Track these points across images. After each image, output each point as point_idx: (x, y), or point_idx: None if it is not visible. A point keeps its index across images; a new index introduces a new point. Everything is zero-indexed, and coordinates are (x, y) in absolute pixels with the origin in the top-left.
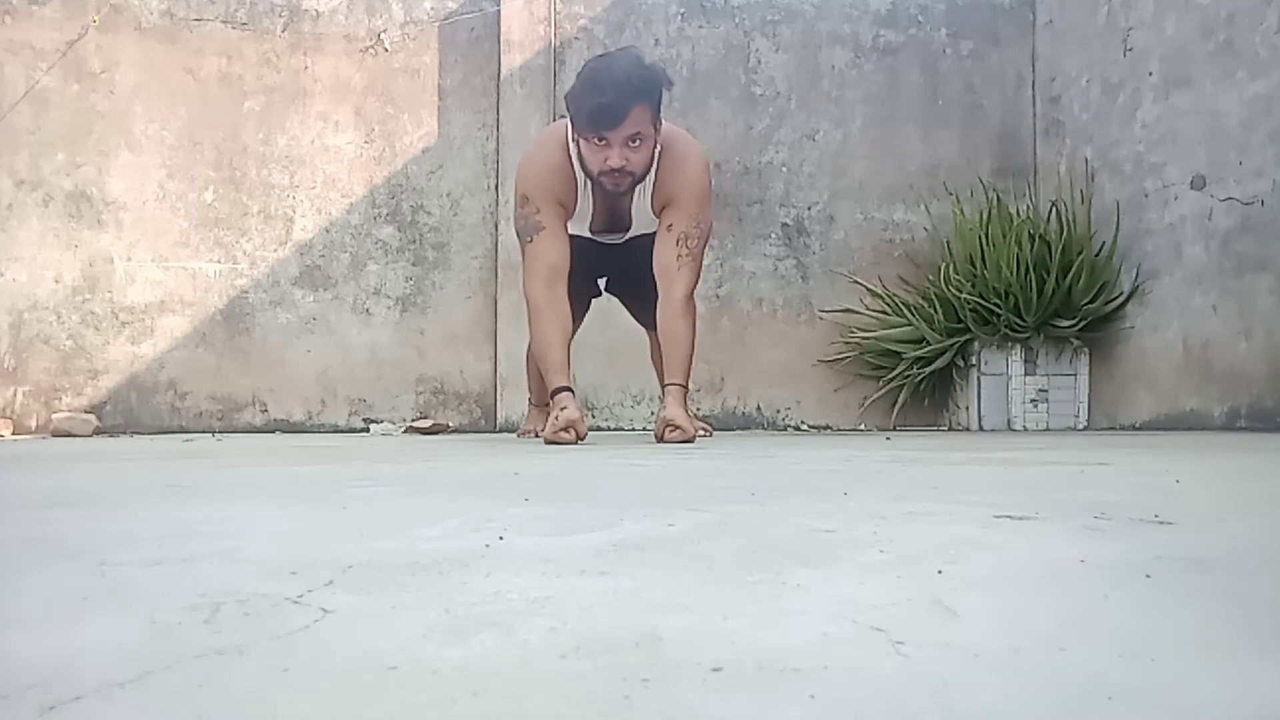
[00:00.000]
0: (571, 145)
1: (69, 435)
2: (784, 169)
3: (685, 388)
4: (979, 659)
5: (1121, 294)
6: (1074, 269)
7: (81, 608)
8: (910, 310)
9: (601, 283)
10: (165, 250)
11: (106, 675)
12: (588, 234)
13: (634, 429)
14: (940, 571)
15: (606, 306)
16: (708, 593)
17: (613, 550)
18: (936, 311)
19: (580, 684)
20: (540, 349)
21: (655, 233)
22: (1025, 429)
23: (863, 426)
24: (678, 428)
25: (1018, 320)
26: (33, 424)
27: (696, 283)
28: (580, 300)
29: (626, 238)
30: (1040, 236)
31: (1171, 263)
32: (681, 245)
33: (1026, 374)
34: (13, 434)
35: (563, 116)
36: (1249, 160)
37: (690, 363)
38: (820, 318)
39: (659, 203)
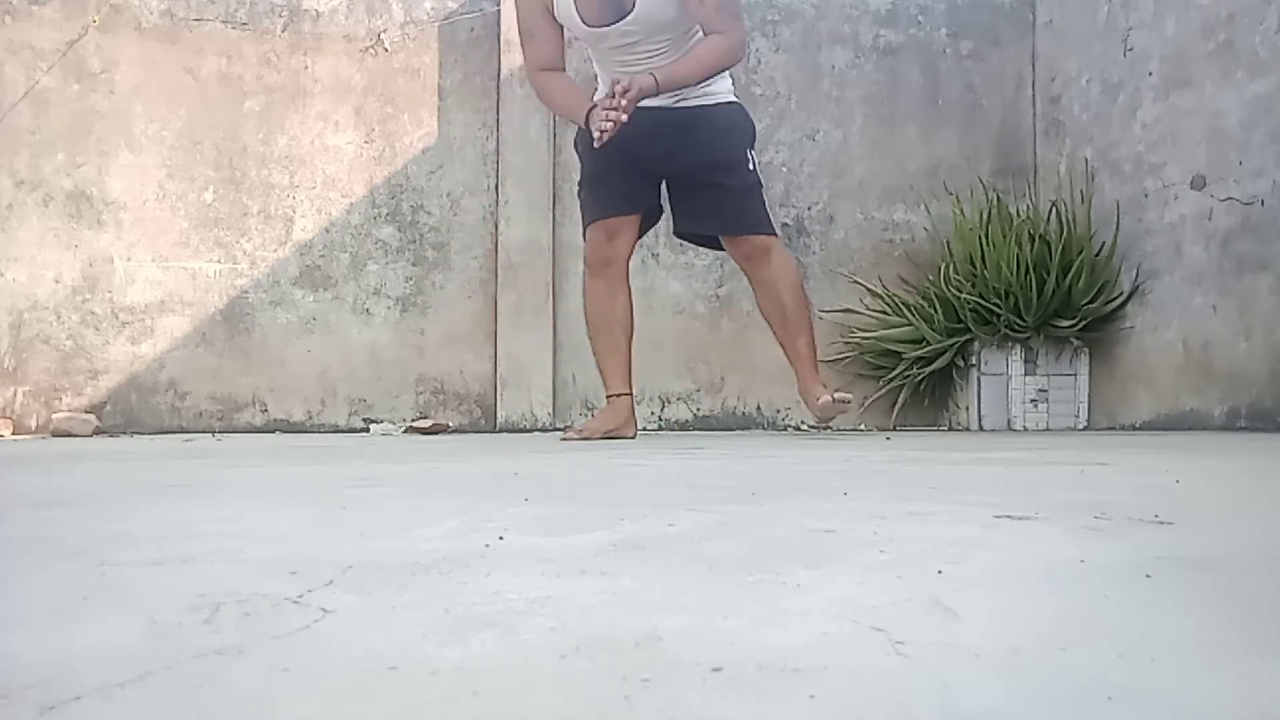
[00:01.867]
0: None
1: (69, 435)
2: (784, 169)
3: (813, 369)
4: (979, 659)
5: (1121, 294)
6: (1074, 269)
7: (81, 608)
8: (910, 310)
9: (662, 191)
10: (165, 250)
11: (106, 675)
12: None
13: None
14: (940, 571)
15: None
16: (708, 593)
17: (613, 550)
18: (936, 311)
19: (580, 684)
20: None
21: (709, 108)
22: (1025, 429)
23: (863, 426)
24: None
25: (1018, 320)
26: (33, 424)
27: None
28: (636, 204)
29: (676, 103)
30: (1040, 236)
31: (1171, 263)
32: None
33: (1026, 374)
34: (13, 434)
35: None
36: (1249, 160)
37: (806, 330)
38: (820, 318)
39: None
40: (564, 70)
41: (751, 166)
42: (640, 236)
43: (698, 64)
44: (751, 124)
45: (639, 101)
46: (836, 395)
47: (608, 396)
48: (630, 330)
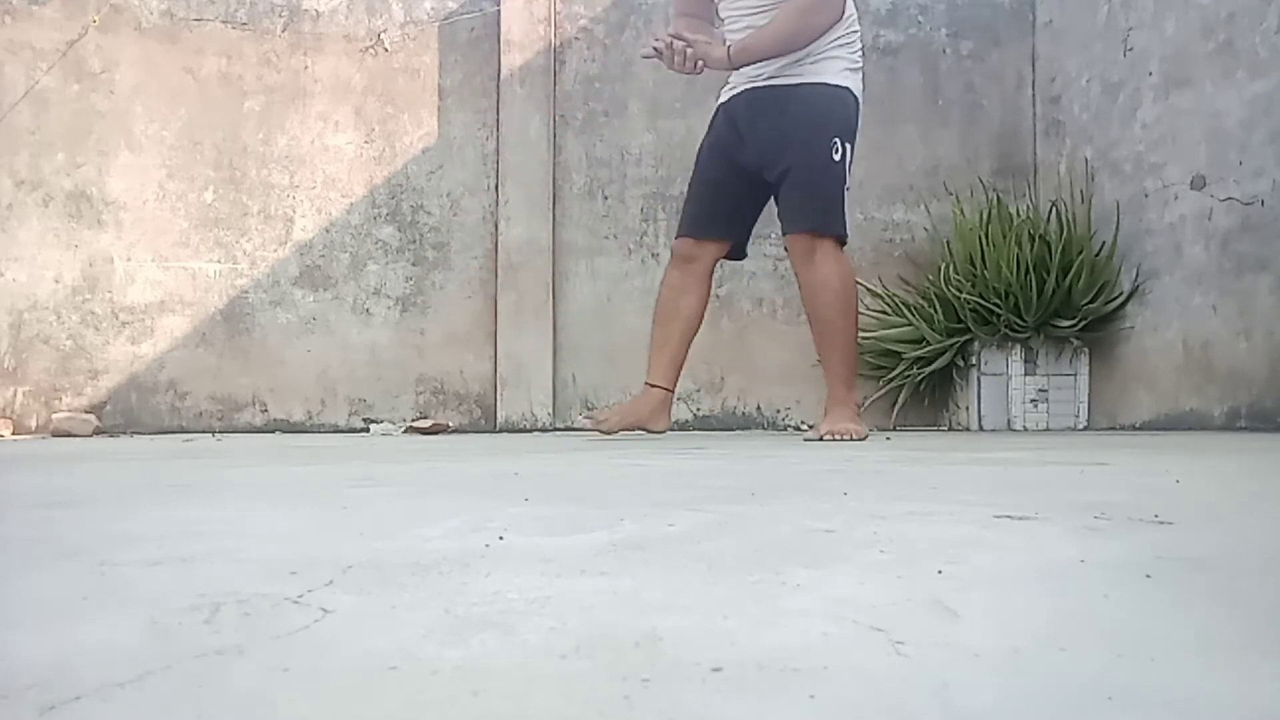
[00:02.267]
0: None
1: (69, 435)
2: None
3: (842, 386)
4: (979, 659)
5: (1121, 294)
6: (1074, 269)
7: (81, 608)
8: (910, 310)
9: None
10: (165, 250)
11: (106, 675)
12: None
13: (634, 429)
14: (940, 571)
15: (606, 306)
16: (708, 593)
17: (613, 550)
18: (936, 311)
19: (580, 684)
20: None
21: (796, 88)
22: (1025, 429)
23: None
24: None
25: (1018, 320)
26: (33, 424)
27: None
28: (726, 230)
29: (768, 81)
30: (1040, 236)
31: (1171, 263)
32: None
33: (1026, 374)
34: (13, 434)
35: (561, 116)
36: (1249, 160)
37: (838, 347)
38: None
39: None
40: (709, 20)
41: (837, 157)
42: (729, 258)
43: (769, 33)
44: (844, 112)
45: (697, 69)
46: (826, 434)
47: (645, 384)
48: (691, 329)
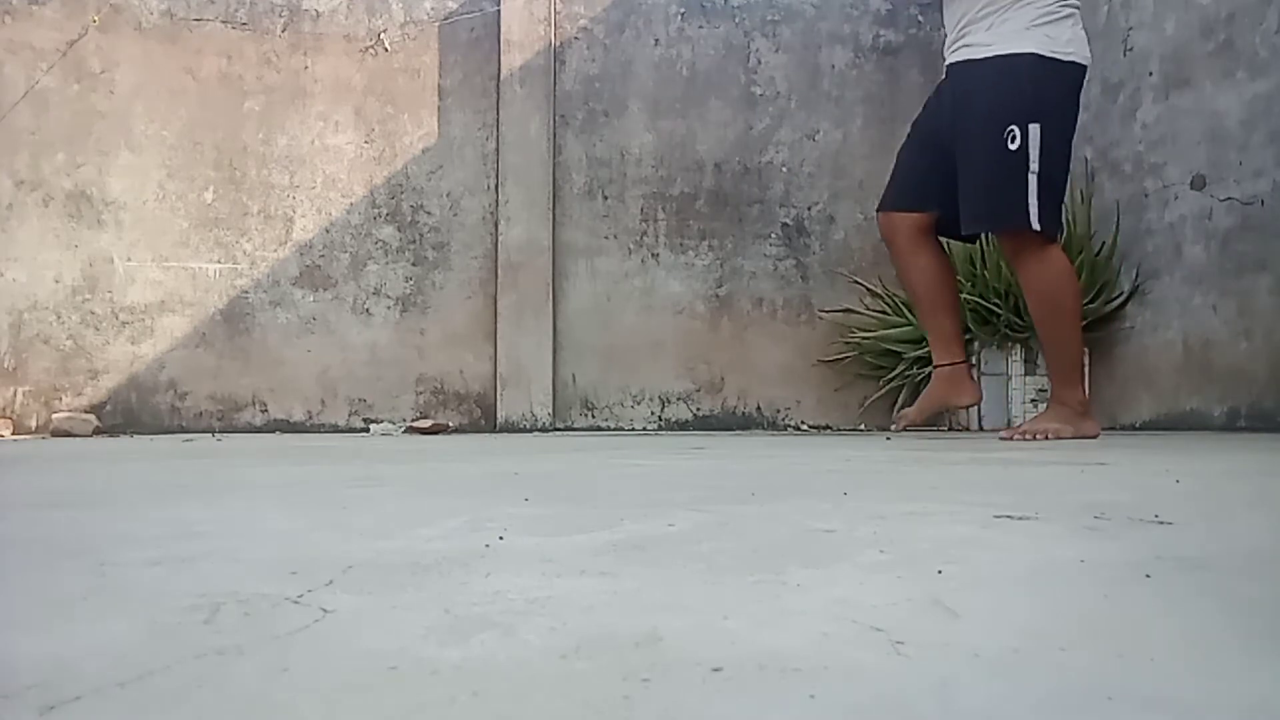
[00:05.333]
0: None
1: (69, 435)
2: (784, 169)
3: (1059, 383)
4: (979, 659)
5: (1121, 294)
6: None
7: (81, 608)
8: (910, 310)
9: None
10: (165, 250)
11: (106, 675)
12: None
13: (634, 429)
14: (940, 571)
15: (606, 306)
16: (708, 593)
17: (613, 550)
18: None
19: (580, 684)
20: None
21: (974, 64)
22: None
23: (863, 426)
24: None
25: (1017, 320)
26: (33, 424)
27: None
28: (914, 199)
29: (952, 59)
30: None
31: (1171, 263)
32: None
33: (1026, 374)
34: (13, 434)
35: (561, 116)
36: (1249, 160)
37: (1058, 347)
38: (820, 318)
39: None
40: None
41: (1015, 145)
42: (947, 235)
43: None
44: (1030, 87)
45: None
46: (1015, 435)
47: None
48: (935, 296)
